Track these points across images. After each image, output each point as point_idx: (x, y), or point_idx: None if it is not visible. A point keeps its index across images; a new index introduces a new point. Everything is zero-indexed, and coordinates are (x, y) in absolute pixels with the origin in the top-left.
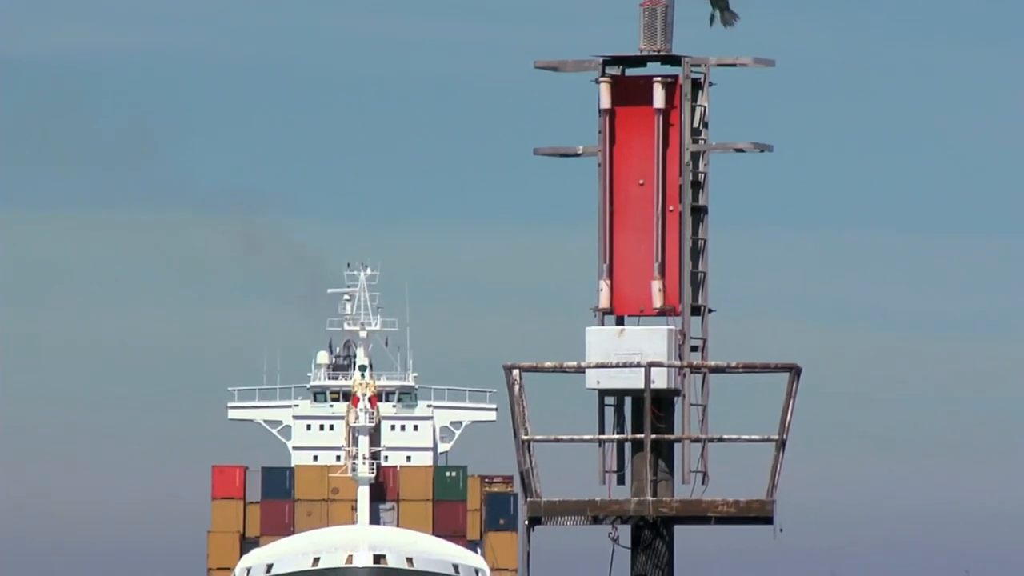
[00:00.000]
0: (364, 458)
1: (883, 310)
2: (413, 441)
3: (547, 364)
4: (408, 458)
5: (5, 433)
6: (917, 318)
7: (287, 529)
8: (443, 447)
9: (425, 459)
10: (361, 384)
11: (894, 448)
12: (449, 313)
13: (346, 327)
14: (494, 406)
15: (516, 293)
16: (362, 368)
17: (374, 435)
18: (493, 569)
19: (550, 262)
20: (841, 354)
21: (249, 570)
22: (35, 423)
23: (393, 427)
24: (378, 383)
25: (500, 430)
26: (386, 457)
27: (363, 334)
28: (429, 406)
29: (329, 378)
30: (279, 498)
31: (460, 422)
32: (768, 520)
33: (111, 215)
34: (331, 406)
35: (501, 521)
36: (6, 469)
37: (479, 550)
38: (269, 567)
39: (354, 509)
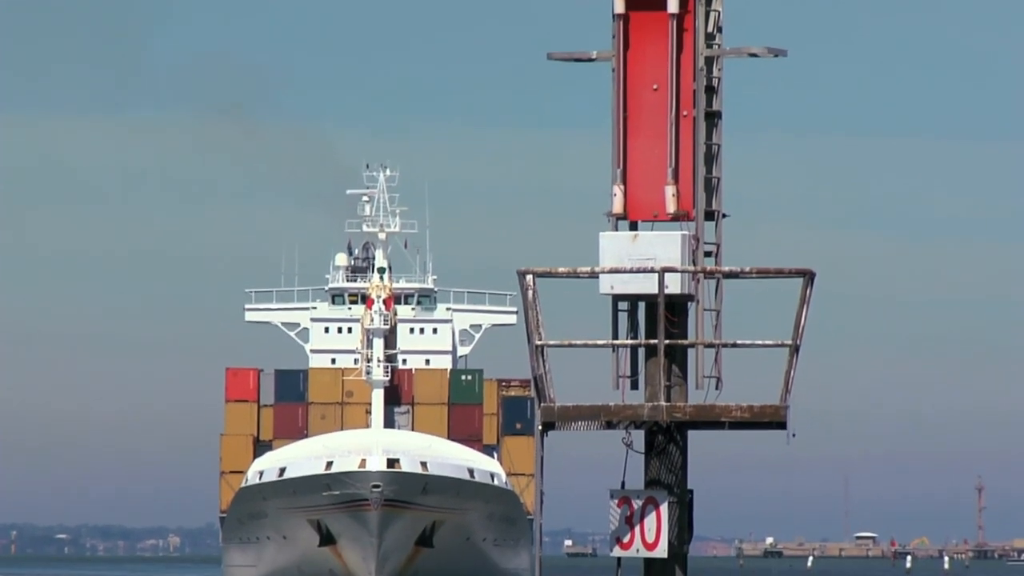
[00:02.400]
0: (379, 361)
1: (897, 214)
2: (432, 344)
3: (561, 269)
4: (427, 361)
5: (21, 340)
6: (931, 222)
7: (301, 432)
8: (462, 351)
9: (444, 362)
10: (376, 286)
11: (908, 353)
12: (468, 217)
13: (365, 228)
14: (514, 309)
15: (533, 197)
16: (380, 270)
17: (389, 338)
18: (509, 474)
19: (565, 167)
20: (855, 259)
21: (261, 473)
22: (54, 329)
23: (412, 330)
24: (397, 286)
25: (521, 334)
26: (404, 360)
27: (382, 236)
28: (448, 309)
29: (347, 280)
30: (293, 401)
31: (480, 325)
32: (782, 425)
33: (116, 117)
34: (349, 308)
35: (518, 425)
36: (25, 376)
37: (495, 455)
38: (282, 471)
39: (368, 412)
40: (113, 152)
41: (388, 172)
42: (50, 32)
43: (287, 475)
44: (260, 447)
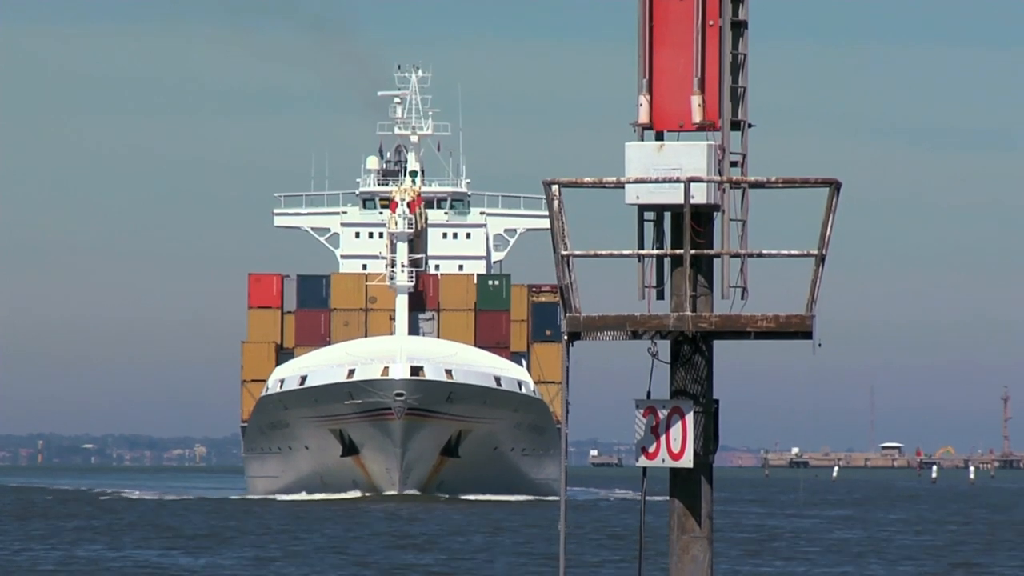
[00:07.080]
0: (403, 266)
1: (923, 125)
2: (465, 249)
3: (586, 180)
4: (460, 267)
5: (47, 250)
6: (957, 132)
7: (323, 339)
8: (496, 256)
9: (478, 268)
10: (400, 189)
11: (935, 264)
12: (501, 122)
13: (397, 131)
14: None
15: (563, 106)
16: (412, 173)
17: (416, 242)
18: (538, 381)
19: (593, 77)
20: (882, 169)
21: (282, 382)
22: (81, 238)
23: (444, 235)
24: (429, 189)
25: None
26: (437, 266)
27: (414, 138)
28: (482, 213)
29: (379, 184)
30: (315, 307)
31: (514, 230)
32: (808, 335)
33: (138, 24)
34: (380, 213)
35: (547, 332)
36: (50, 286)
37: (524, 362)
38: (303, 379)
39: (392, 319)
40: (137, 59)
41: (420, 73)
42: None
43: (308, 383)
44: (282, 355)
